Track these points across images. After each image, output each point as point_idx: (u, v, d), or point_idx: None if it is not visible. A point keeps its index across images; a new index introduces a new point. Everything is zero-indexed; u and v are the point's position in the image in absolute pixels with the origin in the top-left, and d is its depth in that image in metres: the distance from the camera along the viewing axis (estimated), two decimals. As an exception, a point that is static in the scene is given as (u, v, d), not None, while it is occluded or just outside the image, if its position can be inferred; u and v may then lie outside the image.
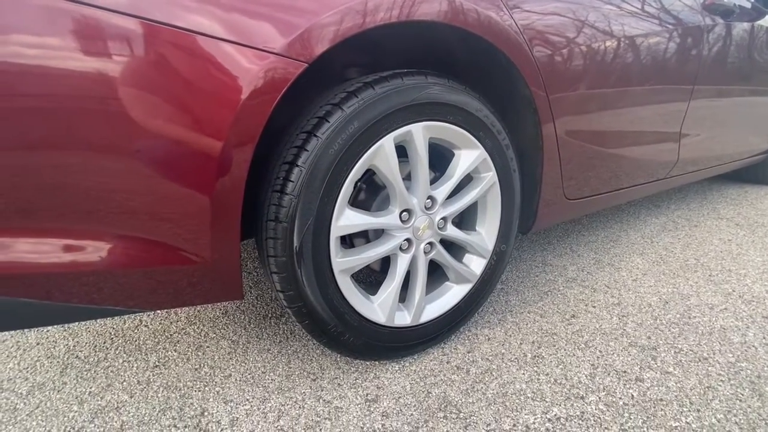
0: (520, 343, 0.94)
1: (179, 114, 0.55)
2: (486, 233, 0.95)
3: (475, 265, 0.96)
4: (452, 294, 0.94)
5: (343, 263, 0.75)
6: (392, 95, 0.71)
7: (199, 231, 0.61)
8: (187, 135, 0.56)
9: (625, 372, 0.85)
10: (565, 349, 0.92)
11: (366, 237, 0.87)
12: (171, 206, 0.58)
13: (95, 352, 0.94)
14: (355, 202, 0.83)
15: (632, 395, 0.79)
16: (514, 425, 0.72)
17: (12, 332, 1.01)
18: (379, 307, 0.82)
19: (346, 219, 0.73)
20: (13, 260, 0.53)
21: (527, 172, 1.02)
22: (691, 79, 1.30)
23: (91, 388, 0.83)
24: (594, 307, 1.10)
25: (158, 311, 1.07)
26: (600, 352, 0.92)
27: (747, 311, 1.06)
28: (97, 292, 0.59)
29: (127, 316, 1.06)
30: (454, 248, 0.95)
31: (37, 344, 0.97)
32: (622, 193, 1.32)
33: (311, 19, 0.60)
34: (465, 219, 0.97)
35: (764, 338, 0.95)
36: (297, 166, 0.66)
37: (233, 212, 0.62)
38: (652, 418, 0.74)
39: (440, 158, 0.88)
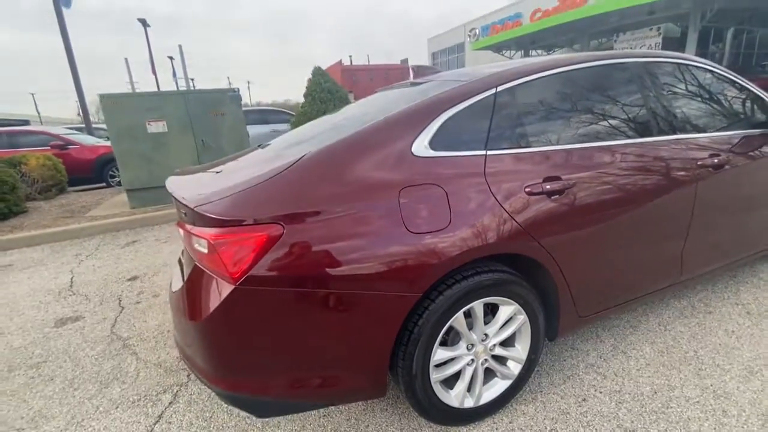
0: (543, 419, 1.50)
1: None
2: (521, 348, 1.52)
3: (514, 367, 1.53)
4: (500, 386, 1.52)
5: (435, 378, 1.38)
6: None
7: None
8: None
9: (610, 446, 1.37)
10: (572, 426, 1.46)
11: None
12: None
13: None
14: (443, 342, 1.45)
15: (610, 463, 1.32)
16: (534, 475, 1.29)
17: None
18: (455, 398, 1.43)
19: (438, 355, 1.35)
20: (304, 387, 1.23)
21: (550, 303, 1.57)
22: (686, 222, 1.74)
23: None
24: (601, 392, 1.60)
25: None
26: (596, 430, 1.44)
27: (713, 405, 1.50)
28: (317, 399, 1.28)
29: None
30: (501, 357, 1.53)
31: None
32: (630, 303, 1.79)
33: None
34: (509, 340, 1.54)
35: (715, 428, 1.40)
36: (419, 329, 1.30)
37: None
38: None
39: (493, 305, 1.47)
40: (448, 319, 1.32)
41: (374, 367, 1.28)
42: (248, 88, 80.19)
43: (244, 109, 6.29)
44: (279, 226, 1.11)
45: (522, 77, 1.50)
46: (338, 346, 1.22)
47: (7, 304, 2.96)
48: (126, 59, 31.16)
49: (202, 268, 1.20)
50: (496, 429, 1.47)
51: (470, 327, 1.41)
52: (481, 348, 1.44)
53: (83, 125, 11.02)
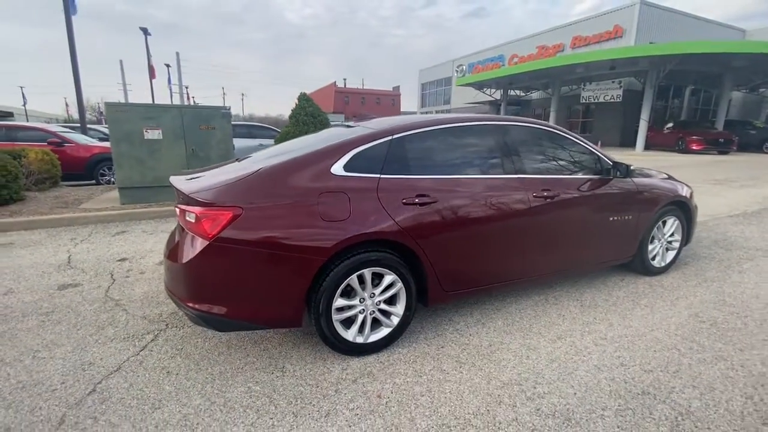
0: (411, 356, 2.23)
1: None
2: (400, 307, 2.27)
3: (395, 320, 2.27)
4: (384, 332, 2.25)
5: (337, 318, 2.10)
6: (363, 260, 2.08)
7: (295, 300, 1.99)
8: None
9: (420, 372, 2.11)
10: (429, 361, 2.19)
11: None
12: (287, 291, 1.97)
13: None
14: (343, 294, 2.18)
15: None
16: (392, 387, 2.01)
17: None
18: (349, 334, 2.16)
19: (338, 302, 2.09)
20: (247, 311, 1.94)
21: (422, 278, 2.32)
22: (523, 229, 2.55)
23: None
24: (455, 344, 2.35)
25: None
26: (441, 362, 2.17)
27: (522, 353, 2.26)
28: (255, 321, 1.99)
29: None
30: (386, 312, 2.27)
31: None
32: (487, 288, 2.57)
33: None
34: (392, 300, 2.28)
35: (515, 365, 2.16)
36: (326, 282, 2.03)
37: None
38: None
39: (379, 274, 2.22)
40: (346, 279, 2.07)
41: (294, 304, 2.00)
42: (242, 99, 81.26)
43: (233, 123, 7.03)
44: (239, 209, 1.86)
45: (411, 130, 2.33)
46: (270, 286, 1.95)
47: (14, 272, 3.55)
48: (121, 61, 31.53)
49: (189, 232, 1.93)
50: (378, 360, 2.20)
51: (363, 287, 2.16)
52: (370, 302, 2.18)
53: (77, 124, 11.55)
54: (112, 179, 8.11)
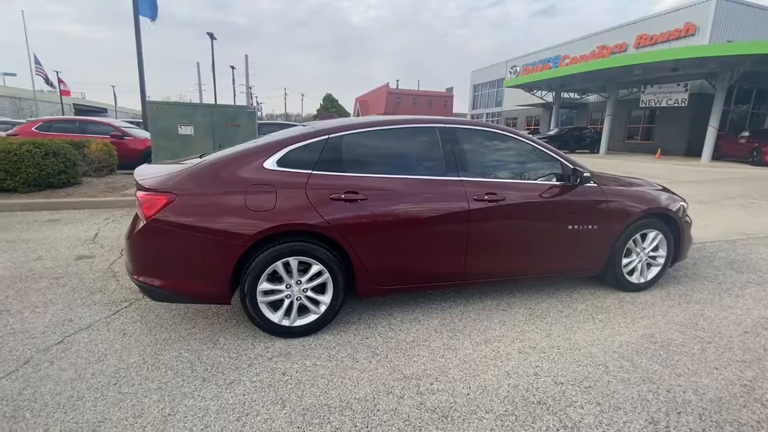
0: (333, 342, 2.36)
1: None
2: (328, 296, 2.41)
3: (322, 308, 2.42)
4: (311, 318, 2.41)
5: (262, 301, 2.31)
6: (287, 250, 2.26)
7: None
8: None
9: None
10: (348, 348, 2.31)
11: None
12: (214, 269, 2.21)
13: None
14: (270, 279, 2.37)
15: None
16: (303, 364, 2.17)
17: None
18: (276, 317, 2.35)
19: (263, 286, 2.29)
20: (177, 285, 2.21)
21: (352, 271, 2.45)
22: (465, 228, 2.57)
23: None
24: (379, 335, 2.44)
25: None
26: (355, 350, 2.28)
27: (439, 351, 2.29)
28: (186, 295, 2.25)
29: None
30: (314, 299, 2.42)
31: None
32: (425, 286, 2.62)
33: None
34: (321, 288, 2.44)
35: (427, 362, 2.20)
36: (251, 266, 2.24)
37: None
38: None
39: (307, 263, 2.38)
40: (270, 265, 2.26)
41: (220, 283, 2.23)
42: (302, 100, 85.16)
43: (260, 122, 7.57)
44: (174, 195, 2.13)
45: (349, 130, 2.46)
46: (199, 265, 2.20)
47: (50, 243, 4.22)
48: (198, 63, 34.99)
49: (137, 213, 2.24)
50: (302, 343, 2.36)
51: (291, 275, 2.33)
52: (296, 289, 2.35)
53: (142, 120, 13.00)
54: (159, 169, 9.05)
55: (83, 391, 1.91)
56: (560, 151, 2.96)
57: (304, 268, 2.37)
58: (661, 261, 3.20)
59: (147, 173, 2.34)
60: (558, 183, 2.82)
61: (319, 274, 2.37)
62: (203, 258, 2.19)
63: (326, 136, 2.42)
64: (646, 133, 22.24)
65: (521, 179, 2.77)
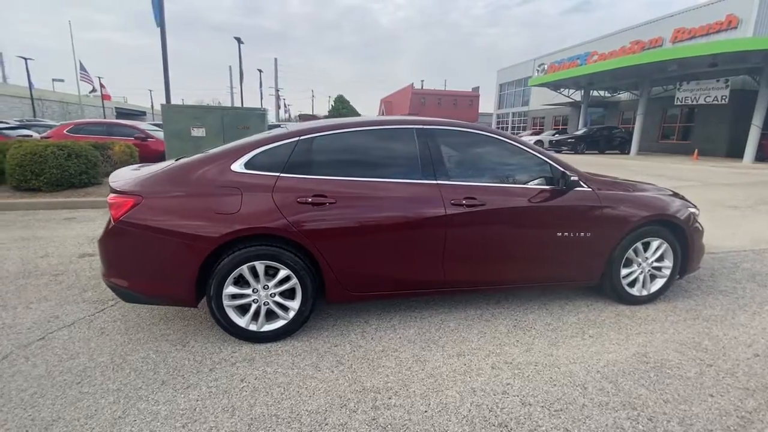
0: (302, 348, 2.31)
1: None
2: (297, 301, 2.37)
3: (291, 313, 2.38)
4: (279, 323, 2.37)
5: (229, 305, 2.29)
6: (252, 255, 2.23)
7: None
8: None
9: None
10: (313, 357, 2.26)
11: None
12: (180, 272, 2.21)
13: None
14: (237, 283, 2.34)
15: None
16: (266, 369, 2.13)
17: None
18: (243, 322, 2.32)
19: (228, 289, 2.27)
20: (144, 286, 2.23)
21: (319, 277, 2.39)
22: (442, 234, 2.45)
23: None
24: (349, 344, 2.36)
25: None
26: (321, 358, 2.22)
27: (412, 360, 2.19)
28: (152, 296, 2.26)
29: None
30: (282, 305, 2.38)
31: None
32: (400, 293, 2.52)
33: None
34: (289, 293, 2.39)
35: (410, 368, 2.11)
36: (217, 270, 2.23)
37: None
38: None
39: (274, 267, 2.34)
40: (236, 269, 2.23)
41: (185, 285, 2.23)
42: (328, 101, 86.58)
43: (271, 123, 7.68)
44: (140, 197, 2.15)
45: (320, 132, 2.41)
46: (164, 267, 2.21)
47: (60, 241, 4.42)
48: (230, 67, 36.37)
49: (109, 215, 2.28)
50: (268, 348, 2.32)
51: (257, 279, 2.30)
52: (263, 294, 2.32)
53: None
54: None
55: (47, 389, 1.95)
56: (551, 153, 2.78)
57: (273, 272, 2.33)
58: (667, 272, 2.94)
59: (120, 177, 2.38)
60: (546, 187, 2.64)
61: (287, 279, 2.33)
62: (168, 260, 2.20)
63: (296, 138, 2.38)
64: (682, 133, 20.94)
65: (505, 183, 2.62)
